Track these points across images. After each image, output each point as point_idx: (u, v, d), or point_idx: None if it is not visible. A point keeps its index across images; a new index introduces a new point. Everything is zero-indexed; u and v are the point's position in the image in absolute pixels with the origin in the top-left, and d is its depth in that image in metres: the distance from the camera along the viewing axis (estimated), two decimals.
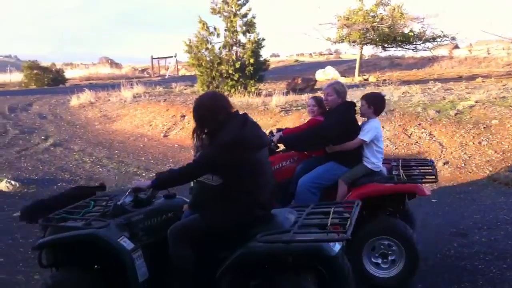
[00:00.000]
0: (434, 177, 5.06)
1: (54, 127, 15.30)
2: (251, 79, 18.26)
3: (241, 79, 18.04)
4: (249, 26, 18.45)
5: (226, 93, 17.35)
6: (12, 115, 17.52)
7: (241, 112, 3.67)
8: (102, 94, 20.59)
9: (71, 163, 10.69)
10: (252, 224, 3.37)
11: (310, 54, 55.31)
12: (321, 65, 30.46)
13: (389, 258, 4.63)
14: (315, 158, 5.28)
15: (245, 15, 18.38)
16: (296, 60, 46.63)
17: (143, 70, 48.65)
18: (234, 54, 18.48)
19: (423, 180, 5.08)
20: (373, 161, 4.97)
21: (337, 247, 3.13)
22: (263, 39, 18.69)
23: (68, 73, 39.10)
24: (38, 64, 35.55)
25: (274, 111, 13.61)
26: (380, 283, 4.60)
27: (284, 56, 54.38)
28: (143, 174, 9.69)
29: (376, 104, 5.06)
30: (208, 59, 18.30)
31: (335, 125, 4.97)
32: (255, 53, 18.40)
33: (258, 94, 17.13)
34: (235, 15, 18.33)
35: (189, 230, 3.50)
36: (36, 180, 9.21)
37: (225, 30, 18.60)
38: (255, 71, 18.36)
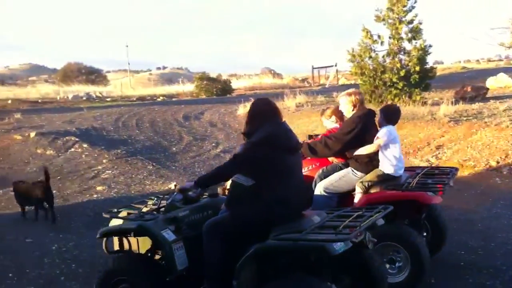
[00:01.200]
0: (442, 186, 5.00)
1: (224, 135, 16.25)
2: (417, 88, 17.61)
3: (405, 88, 17.48)
4: (415, 33, 17.84)
5: (389, 102, 16.99)
6: (186, 123, 18.92)
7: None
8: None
9: None
10: (276, 223, 3.63)
11: (478, 60, 51.91)
12: (491, 72, 28.39)
13: (396, 264, 4.76)
14: (335, 164, 5.52)
15: (411, 22, 17.82)
16: (464, 67, 44.06)
17: (303, 80, 49.50)
18: (399, 62, 17.98)
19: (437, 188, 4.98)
20: (390, 166, 5.08)
21: (340, 247, 3.29)
22: (430, 46, 17.96)
23: (234, 84, 41.16)
24: (208, 75, 38.01)
25: (442, 121, 12.96)
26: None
27: (448, 62, 51.71)
28: None
29: (388, 115, 5.26)
30: (371, 67, 18.07)
31: (345, 131, 5.25)
32: (421, 60, 17.71)
33: (424, 103, 16.48)
34: (400, 21, 17.86)
35: (219, 226, 3.82)
36: None
37: (390, 37, 18.20)
38: (420, 79, 17.69)
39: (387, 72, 17.67)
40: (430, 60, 18.81)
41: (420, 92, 17.62)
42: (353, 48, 18.37)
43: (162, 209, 4.37)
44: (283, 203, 3.72)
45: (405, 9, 17.75)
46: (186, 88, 42.84)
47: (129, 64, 63.63)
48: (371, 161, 5.17)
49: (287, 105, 19.83)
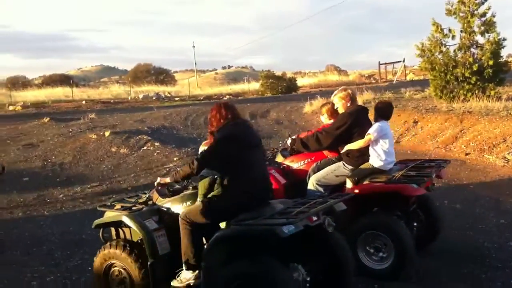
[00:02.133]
0: (426, 178, 5.26)
1: (290, 133, 16.26)
2: (490, 83, 16.92)
3: (478, 83, 16.83)
4: (488, 26, 17.12)
5: (461, 98, 16.47)
6: (253, 121, 19.10)
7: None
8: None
9: None
10: (241, 212, 4.07)
11: None
12: None
13: (380, 252, 5.05)
14: (328, 158, 5.81)
15: (483, 14, 17.12)
16: None
17: (369, 76, 48.77)
18: (471, 56, 17.35)
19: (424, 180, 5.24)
20: (379, 160, 5.33)
21: (289, 230, 3.59)
22: (504, 39, 17.18)
23: (299, 81, 41.10)
24: (273, 73, 38.18)
25: None
26: (372, 273, 5.01)
27: None
28: None
29: (380, 110, 5.49)
30: (442, 62, 17.53)
31: (336, 126, 5.56)
32: (495, 54, 16.98)
33: (498, 99, 15.84)
34: (472, 15, 17.20)
35: (191, 216, 4.24)
36: None
37: (461, 31, 17.56)
38: (494, 73, 16.94)
39: (459, 67, 17.07)
40: (504, 54, 18.02)
41: (494, 87, 16.91)
42: (423, 42, 17.90)
43: (150, 201, 4.91)
44: (246, 193, 4.16)
45: (477, 1, 17.10)
46: (252, 86, 43.21)
47: (195, 64, 64.77)
48: (362, 155, 5.45)
49: None
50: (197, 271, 4.24)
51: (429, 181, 5.37)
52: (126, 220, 4.57)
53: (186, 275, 4.31)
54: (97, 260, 4.74)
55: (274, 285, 3.70)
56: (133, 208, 4.77)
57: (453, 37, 17.63)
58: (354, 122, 5.51)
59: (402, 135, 14.08)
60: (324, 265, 4.26)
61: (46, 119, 19.73)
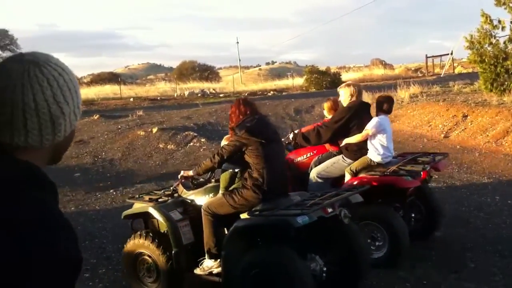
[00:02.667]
0: (420, 170, 5.46)
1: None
2: None
3: None
4: None
5: None
6: (298, 116, 19.09)
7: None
8: (378, 95, 20.85)
9: None
10: (258, 203, 4.32)
11: None
12: None
13: (376, 242, 5.24)
14: (329, 152, 6.05)
15: None
16: None
17: (416, 70, 47.80)
18: None
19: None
20: (376, 155, 5.53)
21: (302, 220, 3.76)
22: None
23: (344, 76, 40.68)
24: (317, 68, 37.88)
25: None
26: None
27: None
28: None
29: (379, 104, 5.73)
30: (491, 54, 17.02)
31: (335, 120, 5.82)
32: None
33: None
34: None
35: (213, 207, 4.49)
36: None
37: (511, 22, 17.04)
38: None
39: (510, 59, 16.53)
40: None
41: None
42: (472, 34, 17.42)
43: (176, 194, 5.15)
44: (265, 186, 4.35)
45: None
46: (296, 82, 43.06)
47: (239, 60, 65.06)
48: (360, 149, 5.68)
49: (400, 96, 19.27)
50: (218, 260, 4.44)
51: (424, 173, 5.51)
52: (152, 211, 4.81)
53: (208, 264, 4.55)
54: (126, 250, 5.01)
55: (291, 274, 3.88)
56: (159, 200, 5.05)
57: (503, 28, 17.07)
58: (352, 116, 5.76)
59: (451, 130, 13.78)
60: (341, 256, 4.43)
61: (96, 116, 20.26)
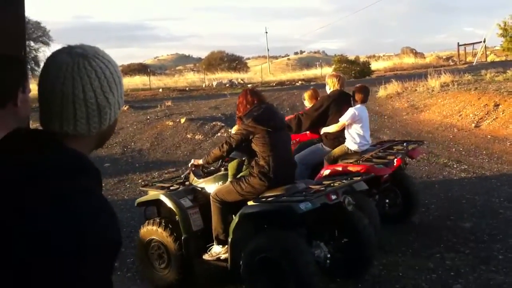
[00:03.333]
0: (393, 158, 5.74)
1: None
2: None
3: None
4: None
5: None
6: None
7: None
8: (408, 84, 20.59)
9: None
10: (265, 191, 4.42)
11: None
12: None
13: None
14: (310, 140, 6.40)
15: None
16: None
17: (447, 58, 47.00)
18: None
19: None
20: (353, 143, 5.87)
21: (305, 206, 3.89)
22: None
23: (373, 65, 40.24)
24: (346, 57, 37.61)
25: None
26: None
27: None
28: (454, 166, 9.42)
29: (356, 93, 6.05)
30: None
31: (314, 108, 6.16)
32: None
33: None
34: None
35: (220, 194, 4.61)
36: None
37: None
38: None
39: None
40: None
41: None
42: (505, 21, 17.06)
43: (187, 182, 5.27)
44: (271, 173, 4.43)
45: None
46: (324, 71, 42.78)
47: (268, 50, 64.92)
48: (338, 137, 5.99)
49: (430, 85, 18.94)
50: (226, 246, 4.53)
51: (398, 160, 5.78)
52: (163, 198, 4.94)
53: (216, 249, 4.68)
54: (139, 237, 5.15)
55: (296, 259, 3.98)
56: (171, 188, 5.19)
57: None
58: (331, 105, 6.06)
59: (482, 119, 13.49)
60: (346, 243, 4.51)
61: (125, 107, 20.50)
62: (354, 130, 5.91)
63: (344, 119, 5.89)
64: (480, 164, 9.40)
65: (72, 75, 1.23)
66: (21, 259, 1.05)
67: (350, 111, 5.91)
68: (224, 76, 43.19)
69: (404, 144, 6.51)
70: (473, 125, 13.30)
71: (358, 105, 6.02)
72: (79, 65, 1.24)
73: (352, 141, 5.91)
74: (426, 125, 14.22)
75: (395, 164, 5.76)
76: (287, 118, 6.39)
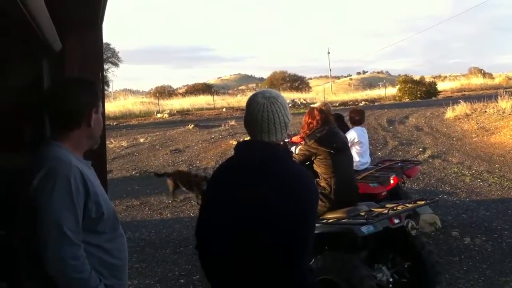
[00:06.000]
0: (389, 177, 6.09)
1: (431, 139, 15.60)
2: None
3: None
4: None
5: None
6: (391, 127, 18.63)
7: None
8: (477, 105, 19.96)
9: (450, 176, 10.75)
10: (326, 212, 4.43)
11: None
12: None
13: None
14: None
15: None
16: None
17: None
18: None
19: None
20: (357, 160, 6.17)
21: (367, 230, 3.83)
22: None
23: (439, 85, 39.30)
24: (411, 77, 36.93)
25: None
26: None
27: None
28: None
29: (351, 116, 6.65)
30: None
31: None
32: None
33: None
34: None
35: None
36: (417, 191, 9.58)
37: None
38: None
39: None
40: None
41: None
42: None
43: None
44: (331, 195, 4.46)
45: None
46: (388, 91, 42.18)
47: (330, 70, 64.71)
48: None
49: (501, 107, 18.26)
50: None
51: (395, 179, 6.12)
52: None
53: None
54: None
55: (355, 282, 3.90)
56: None
57: None
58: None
59: None
60: (409, 268, 4.42)
61: (190, 126, 20.96)
62: (353, 149, 6.27)
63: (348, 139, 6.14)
64: None
65: (269, 109, 2.18)
66: None
67: (351, 132, 6.42)
68: (287, 96, 43.21)
69: (404, 163, 6.94)
70: None
71: (358, 127, 6.49)
72: (271, 103, 2.19)
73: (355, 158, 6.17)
74: (497, 148, 13.68)
75: (391, 183, 6.08)
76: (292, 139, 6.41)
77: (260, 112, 2.16)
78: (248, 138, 2.32)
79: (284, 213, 2.01)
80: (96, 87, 2.33)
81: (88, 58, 3.12)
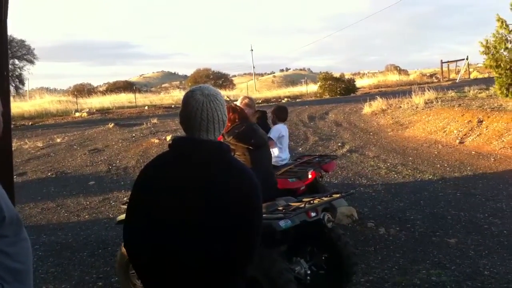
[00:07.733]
0: (306, 172, 6.25)
1: (349, 134, 16.07)
2: None
3: None
4: None
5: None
6: (311, 123, 19.01)
7: None
8: (393, 101, 20.80)
9: (367, 169, 11.11)
10: None
11: None
12: None
13: None
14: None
15: None
16: None
17: (431, 75, 47.57)
18: None
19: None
20: (273, 156, 6.07)
21: (285, 224, 3.88)
22: None
23: (358, 82, 40.56)
24: (331, 75, 37.83)
25: None
26: None
27: None
28: (439, 182, 9.48)
29: (276, 113, 6.76)
30: (507, 59, 16.84)
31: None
32: None
33: None
34: None
35: None
36: (336, 185, 9.83)
37: None
38: None
39: None
40: None
41: None
42: (487, 39, 17.28)
43: None
44: None
45: None
46: (310, 88, 43.06)
47: (253, 67, 65.15)
48: None
49: (415, 102, 19.16)
50: None
51: (313, 173, 6.31)
52: None
53: None
54: (120, 255, 5.06)
55: (275, 276, 3.94)
56: None
57: None
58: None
59: (466, 135, 13.63)
60: (326, 260, 4.56)
61: (110, 125, 20.40)
62: (277, 145, 6.47)
63: (273, 136, 6.42)
64: (465, 180, 9.45)
65: (207, 107, 2.15)
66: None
67: (276, 127, 6.56)
68: None
69: (322, 158, 7.12)
70: (457, 141, 13.42)
71: (281, 124, 6.66)
72: (210, 100, 2.17)
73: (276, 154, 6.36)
74: (411, 141, 14.30)
75: (310, 177, 6.25)
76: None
77: (199, 111, 2.15)
78: (177, 135, 2.35)
79: (230, 205, 2.07)
80: None
81: None
